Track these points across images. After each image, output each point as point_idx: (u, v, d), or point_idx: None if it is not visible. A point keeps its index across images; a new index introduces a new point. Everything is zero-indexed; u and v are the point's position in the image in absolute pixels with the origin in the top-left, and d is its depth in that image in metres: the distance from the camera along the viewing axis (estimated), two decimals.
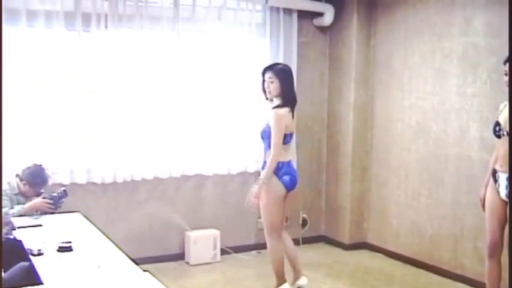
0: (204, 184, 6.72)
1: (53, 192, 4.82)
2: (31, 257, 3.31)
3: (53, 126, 5.88)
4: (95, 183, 6.08)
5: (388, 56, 6.79)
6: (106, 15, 5.96)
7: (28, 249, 3.42)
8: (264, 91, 5.28)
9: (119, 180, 6.17)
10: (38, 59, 5.73)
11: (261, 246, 7.01)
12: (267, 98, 5.33)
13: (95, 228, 4.10)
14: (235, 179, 6.89)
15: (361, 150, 7.02)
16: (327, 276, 6.12)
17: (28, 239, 3.67)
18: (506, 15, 5.43)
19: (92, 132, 6.03)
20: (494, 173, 4.73)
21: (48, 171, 5.15)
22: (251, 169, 6.91)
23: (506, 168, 4.51)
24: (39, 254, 3.31)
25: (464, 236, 5.93)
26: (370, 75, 6.93)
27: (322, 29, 7.34)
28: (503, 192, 4.61)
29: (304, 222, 7.44)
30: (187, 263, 6.47)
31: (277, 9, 6.87)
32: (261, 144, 5.48)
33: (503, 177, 4.60)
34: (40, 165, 5.11)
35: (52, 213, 4.71)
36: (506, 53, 5.33)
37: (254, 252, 6.95)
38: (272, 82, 5.18)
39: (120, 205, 6.25)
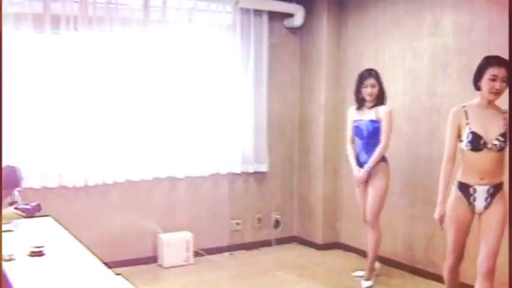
0: (176, 186, 6.70)
1: (27, 204, 4.77)
2: (2, 262, 3.27)
3: (22, 129, 5.81)
4: (66, 187, 6.02)
5: (359, 57, 6.83)
6: (76, 18, 5.91)
7: None
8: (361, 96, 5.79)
9: (91, 183, 6.12)
10: (7, 61, 5.66)
11: (233, 247, 7.03)
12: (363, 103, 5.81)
13: (66, 232, 4.06)
14: (208, 181, 6.88)
15: (332, 151, 7.05)
16: (300, 277, 6.13)
17: None
18: (474, 14, 5.51)
19: (63, 136, 5.97)
20: (466, 187, 4.50)
21: (21, 173, 5.09)
22: (223, 171, 6.91)
23: (490, 180, 4.42)
24: (10, 260, 3.27)
25: (436, 234, 5.98)
26: (341, 76, 6.96)
27: (293, 30, 7.36)
28: (481, 206, 4.46)
29: (277, 223, 7.45)
30: (160, 265, 6.44)
31: (248, 10, 6.87)
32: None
33: (482, 190, 4.44)
34: (14, 166, 5.05)
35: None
36: (476, 52, 5.41)
37: (227, 254, 6.95)
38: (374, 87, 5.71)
39: (92, 209, 6.20)
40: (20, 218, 4.55)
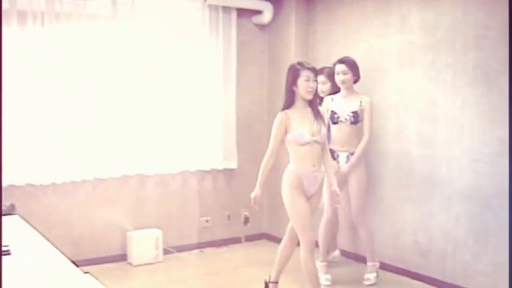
0: (145, 184, 6.67)
1: None
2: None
3: None
4: (33, 185, 5.96)
5: (327, 54, 6.85)
6: (42, 13, 5.85)
7: None
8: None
9: (58, 181, 6.07)
10: None
11: (203, 245, 7.03)
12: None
13: (34, 230, 4.02)
14: (177, 178, 6.87)
15: None
16: (269, 273, 6.13)
17: None
18: (440, 12, 5.57)
19: (29, 133, 5.90)
20: (332, 152, 5.63)
21: None
22: (192, 168, 6.91)
23: (347, 148, 5.74)
24: None
25: (404, 230, 6.04)
26: None
27: (262, 27, 7.37)
28: (343, 167, 5.74)
29: (246, 220, 7.46)
30: (129, 263, 6.41)
31: (216, 7, 6.86)
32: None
33: (343, 156, 5.77)
34: None
35: None
36: (441, 50, 5.49)
37: (197, 251, 6.94)
38: (325, 83, 6.14)
39: (60, 207, 6.15)
40: None
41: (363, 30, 6.42)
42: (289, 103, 4.85)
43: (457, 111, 5.52)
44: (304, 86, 4.76)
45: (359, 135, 5.73)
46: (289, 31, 7.12)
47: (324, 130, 4.86)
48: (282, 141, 4.88)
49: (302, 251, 4.94)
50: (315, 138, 4.75)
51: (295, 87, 4.81)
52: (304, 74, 4.77)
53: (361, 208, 5.81)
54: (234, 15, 7.03)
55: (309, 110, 4.85)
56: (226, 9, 6.95)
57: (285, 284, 5.52)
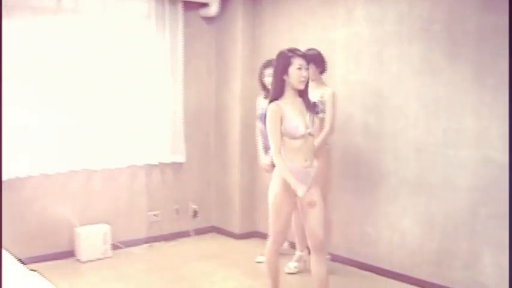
0: (93, 179, 6.59)
1: None
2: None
3: None
4: None
5: (274, 47, 6.85)
6: None
7: None
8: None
9: (3, 178, 5.96)
10: None
11: (152, 239, 7.00)
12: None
13: None
14: (124, 173, 6.81)
15: (249, 140, 7.07)
16: (219, 266, 6.16)
17: None
18: (385, 5, 5.64)
19: None
20: None
21: None
22: (140, 162, 6.86)
23: None
24: None
25: (352, 221, 6.11)
26: (256, 66, 6.96)
27: (208, 20, 7.35)
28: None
29: (195, 214, 7.45)
30: (78, 260, 6.34)
31: (162, 0, 6.81)
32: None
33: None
34: None
35: None
36: (387, 42, 5.57)
37: (146, 245, 6.91)
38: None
39: (6, 203, 6.02)
40: None
41: (310, 23, 6.46)
42: (278, 93, 4.49)
43: (402, 102, 5.61)
44: (296, 75, 4.42)
45: (321, 126, 5.64)
46: (236, 24, 7.12)
47: (317, 122, 4.63)
48: (281, 134, 4.46)
49: (269, 246, 4.79)
50: (309, 130, 4.45)
51: (286, 76, 4.45)
52: (297, 62, 4.42)
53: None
54: (180, 8, 6.98)
55: (299, 100, 4.54)
56: (173, 1, 6.90)
57: None
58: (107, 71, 6.52)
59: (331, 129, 5.67)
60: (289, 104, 4.47)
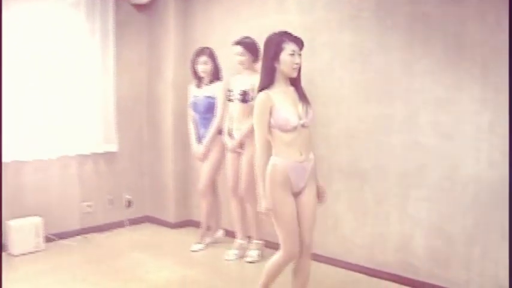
0: (23, 170, 6.46)
1: None
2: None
3: None
4: None
5: (207, 35, 6.89)
6: None
7: None
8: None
9: None
10: None
11: (86, 230, 6.93)
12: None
13: None
14: (56, 164, 6.70)
15: (182, 128, 7.05)
16: (153, 256, 6.14)
17: None
18: None
19: None
20: (229, 130, 5.94)
21: None
22: (71, 152, 6.77)
23: (238, 125, 5.82)
24: None
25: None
26: (189, 55, 6.93)
27: (140, 8, 7.29)
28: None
29: (129, 204, 7.41)
30: (10, 253, 6.21)
31: None
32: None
33: (236, 134, 5.88)
34: None
35: None
36: (318, 29, 5.64)
37: (79, 237, 6.83)
38: (207, 64, 6.18)
39: None
40: None
41: (242, 11, 6.48)
42: (268, 82, 4.07)
43: (333, 90, 5.69)
44: (289, 61, 4.04)
45: (250, 113, 5.71)
46: (168, 12, 7.08)
47: (312, 112, 4.16)
48: (269, 127, 4.04)
49: (280, 259, 4.19)
50: (302, 121, 4.03)
51: (277, 63, 4.04)
52: (289, 48, 4.04)
53: (251, 184, 5.87)
54: None
55: (291, 89, 4.15)
56: None
57: None
58: (37, 62, 6.38)
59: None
60: (281, 94, 4.07)
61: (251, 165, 5.57)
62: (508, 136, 4.51)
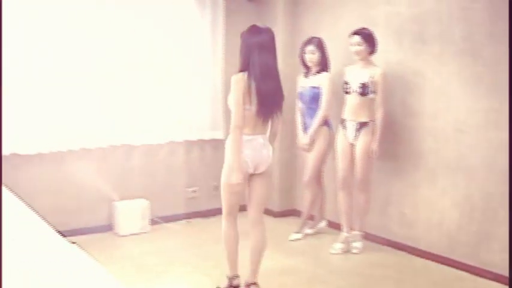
0: (132, 154, 6.64)
1: None
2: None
3: None
4: (18, 155, 5.92)
5: (315, 25, 6.84)
6: None
7: None
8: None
9: (44, 151, 6.03)
10: None
11: (190, 215, 7.03)
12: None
13: (19, 201, 4.01)
14: (164, 149, 6.85)
15: (289, 117, 7.01)
16: None
17: None
18: None
19: (15, 103, 5.84)
20: (342, 121, 5.89)
21: None
22: (179, 138, 6.89)
23: (355, 117, 5.77)
24: None
25: (390, 201, 6.06)
26: (297, 44, 6.93)
27: None
28: (351, 137, 5.84)
29: None
30: (116, 234, 6.41)
31: None
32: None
33: (350, 125, 5.82)
34: None
35: None
36: (430, 22, 5.47)
37: (183, 221, 6.95)
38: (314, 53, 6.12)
39: (46, 177, 6.12)
40: None
41: (351, 1, 6.39)
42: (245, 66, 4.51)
43: (443, 82, 5.52)
44: None
45: (370, 106, 5.73)
46: (277, 1, 7.09)
47: None
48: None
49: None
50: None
51: None
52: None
53: (366, 175, 5.87)
54: None
55: None
56: None
57: None
58: (148, 47, 6.55)
59: (384, 110, 5.75)
60: None
61: (367, 156, 5.76)
62: None
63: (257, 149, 4.53)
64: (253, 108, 4.41)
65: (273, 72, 4.51)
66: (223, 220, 4.90)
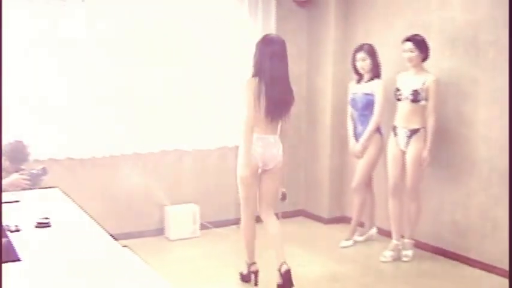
0: (183, 159, 6.71)
1: (33, 169, 4.72)
2: (8, 233, 3.27)
3: (30, 101, 5.81)
4: (73, 159, 6.04)
5: (366, 31, 6.81)
6: None
7: (5, 225, 3.38)
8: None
9: (98, 155, 6.14)
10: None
11: (239, 221, 7.02)
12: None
13: (73, 204, 4.07)
14: (214, 154, 6.89)
15: (340, 124, 7.02)
16: (305, 250, 6.18)
17: (5, 215, 3.62)
18: None
19: (70, 108, 5.97)
20: (394, 128, 5.84)
21: (29, 148, 5.08)
22: (230, 144, 6.91)
23: (406, 124, 5.72)
24: (17, 231, 3.27)
25: (443, 209, 5.98)
26: (348, 50, 6.88)
27: (301, 3, 7.31)
28: (402, 144, 5.79)
29: (284, 196, 7.42)
30: (167, 238, 6.47)
31: None
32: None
33: (401, 132, 5.77)
34: (21, 141, 5.03)
35: (30, 189, 4.63)
36: (485, 28, 5.38)
37: (234, 226, 6.96)
38: (365, 60, 6.10)
39: (99, 181, 6.22)
40: (25, 183, 4.51)
41: (404, 6, 6.33)
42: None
43: (497, 90, 5.42)
44: None
45: (422, 113, 5.68)
46: (329, 7, 7.07)
47: None
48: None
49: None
50: None
51: None
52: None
53: (417, 183, 5.82)
54: None
55: None
56: None
57: None
58: (200, 54, 6.61)
59: (434, 117, 5.69)
60: None
61: (418, 163, 5.71)
62: None
63: (267, 147, 4.96)
64: (262, 110, 4.81)
65: (283, 79, 4.94)
66: (241, 213, 5.34)
